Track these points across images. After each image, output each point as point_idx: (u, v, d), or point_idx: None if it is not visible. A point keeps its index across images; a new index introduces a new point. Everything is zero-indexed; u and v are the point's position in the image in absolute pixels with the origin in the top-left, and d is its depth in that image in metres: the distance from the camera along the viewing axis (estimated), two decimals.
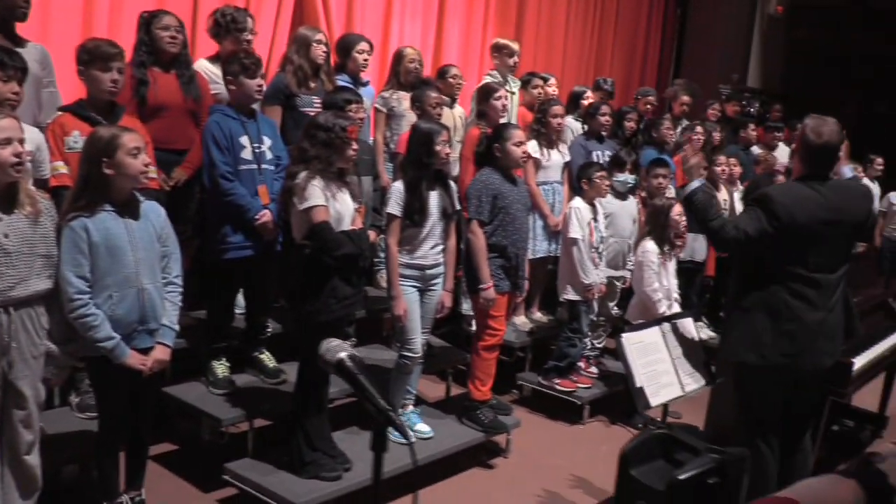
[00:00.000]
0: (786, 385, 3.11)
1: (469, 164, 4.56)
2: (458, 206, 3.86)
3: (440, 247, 3.71)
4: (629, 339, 3.10)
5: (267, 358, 3.88)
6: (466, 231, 3.96)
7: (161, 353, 2.83)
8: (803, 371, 3.06)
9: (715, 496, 2.23)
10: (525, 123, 5.15)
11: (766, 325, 3.01)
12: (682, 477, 2.41)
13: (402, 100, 4.76)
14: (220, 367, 3.71)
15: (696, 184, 3.21)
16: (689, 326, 3.44)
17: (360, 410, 3.94)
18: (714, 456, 2.51)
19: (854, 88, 10.71)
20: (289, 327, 4.09)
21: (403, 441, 3.53)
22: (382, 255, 4.46)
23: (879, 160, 7.94)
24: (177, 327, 2.90)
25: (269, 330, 3.95)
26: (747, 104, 9.31)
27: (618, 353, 3.21)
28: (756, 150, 7.09)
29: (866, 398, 4.59)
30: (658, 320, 3.35)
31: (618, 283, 4.96)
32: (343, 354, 1.59)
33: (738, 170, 6.17)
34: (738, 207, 5.90)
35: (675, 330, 3.34)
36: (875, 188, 7.89)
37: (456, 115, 5.05)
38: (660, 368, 3.17)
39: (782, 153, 7.36)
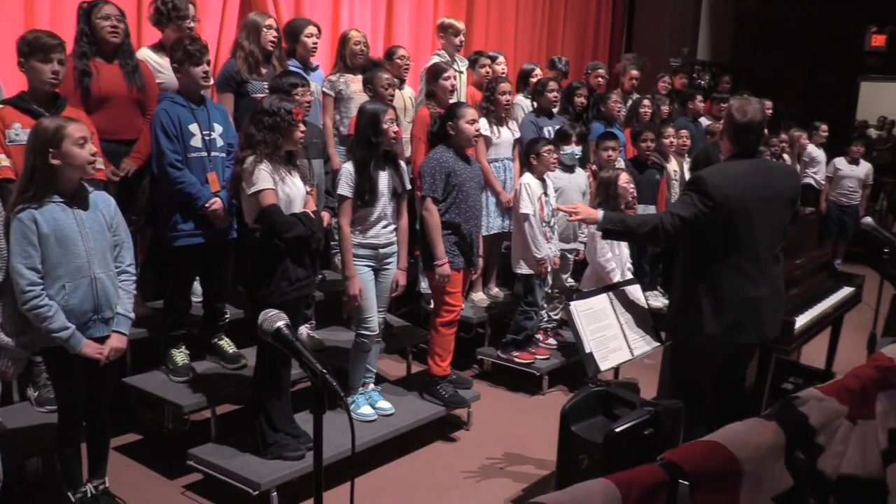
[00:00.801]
0: (722, 355, 3.24)
1: (420, 144, 4.62)
2: (408, 186, 3.92)
3: (392, 226, 3.78)
4: (578, 307, 3.18)
5: (226, 344, 3.92)
6: (420, 209, 4.02)
7: (117, 342, 2.86)
8: (743, 344, 3.20)
9: (651, 446, 2.34)
10: (474, 102, 5.20)
11: (710, 301, 3.12)
12: (618, 429, 2.52)
13: (350, 83, 4.79)
14: (180, 355, 3.74)
15: (599, 215, 3.27)
16: (636, 293, 3.54)
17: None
18: (649, 409, 2.62)
19: (800, 59, 10.96)
20: (248, 313, 4.12)
21: (368, 419, 3.73)
22: (338, 237, 4.50)
23: (824, 127, 8.20)
24: (132, 315, 2.93)
25: (227, 316, 3.99)
26: (697, 77, 9.51)
27: (567, 320, 3.31)
28: (705, 121, 7.27)
29: (815, 356, 4.79)
30: (605, 287, 3.44)
31: (570, 256, 5.08)
32: (280, 323, 1.66)
33: (687, 142, 6.32)
34: (688, 175, 6.06)
35: (623, 296, 3.43)
36: (821, 154, 8.13)
37: (405, 96, 5.10)
38: (608, 334, 3.26)
39: None
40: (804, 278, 4.42)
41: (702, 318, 3.14)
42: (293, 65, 4.53)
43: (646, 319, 3.51)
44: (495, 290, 5.39)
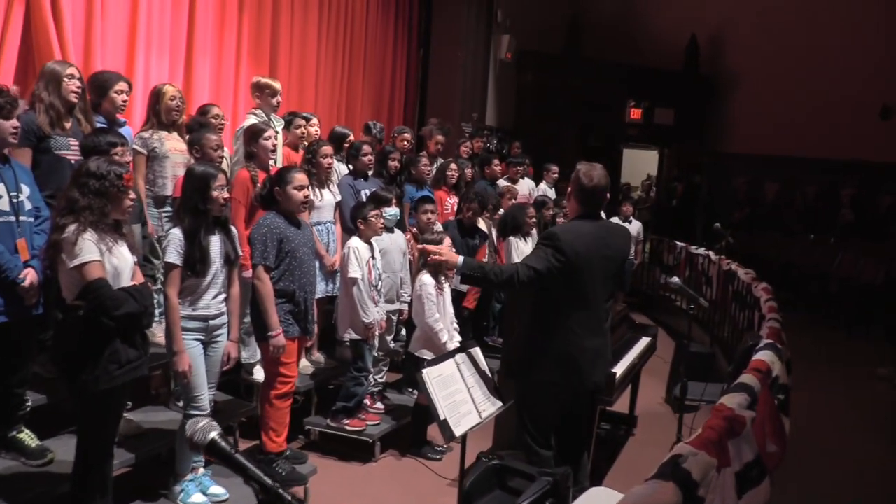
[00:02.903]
0: (565, 400, 3.43)
1: (240, 208, 4.40)
2: (240, 252, 3.73)
3: (223, 295, 3.57)
4: (430, 374, 3.17)
5: (27, 437, 3.39)
6: (252, 278, 3.83)
7: None
8: (582, 389, 3.41)
9: None
10: (289, 163, 5.11)
11: (552, 350, 3.30)
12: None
13: (164, 140, 4.47)
14: None
15: (459, 261, 3.35)
16: (477, 354, 3.61)
17: (140, 479, 3.63)
18: (547, 479, 2.65)
19: (572, 126, 12.08)
20: (53, 398, 3.62)
21: None
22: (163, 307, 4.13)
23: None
24: None
25: (28, 404, 3.46)
26: (487, 141, 10.11)
27: (419, 388, 3.28)
28: (501, 182, 7.70)
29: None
30: (452, 352, 3.47)
31: (394, 317, 5.09)
32: (214, 434, 1.45)
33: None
34: (494, 234, 6.37)
35: (467, 359, 3.49)
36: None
37: (223, 156, 4.85)
38: (458, 398, 3.28)
39: (523, 185, 8.09)
40: (611, 330, 4.78)
41: (549, 366, 3.30)
42: (98, 120, 4.16)
43: (487, 379, 3.59)
44: (317, 356, 5.23)
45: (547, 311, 3.34)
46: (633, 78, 12.53)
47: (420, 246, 4.04)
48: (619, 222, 8.81)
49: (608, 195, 3.44)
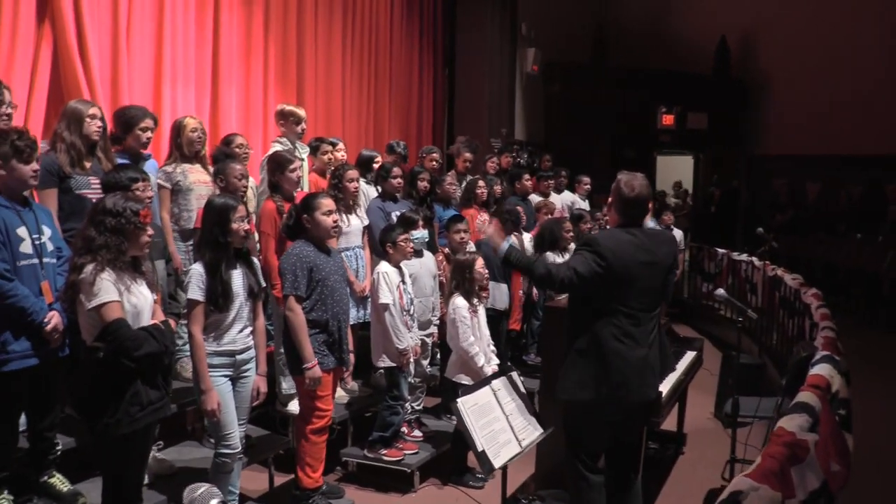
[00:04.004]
0: (614, 418, 3.24)
1: (269, 240, 4.31)
2: (263, 283, 3.64)
3: (249, 328, 3.47)
4: (465, 403, 3.04)
5: (59, 481, 3.30)
6: (282, 308, 3.72)
7: None
8: (631, 403, 3.20)
9: None
10: (317, 189, 5.02)
11: (598, 364, 3.13)
12: None
13: (188, 173, 4.41)
14: (3, 503, 3.09)
15: (505, 245, 3.28)
16: (515, 378, 3.46)
17: None
18: None
19: (603, 137, 11.88)
20: (82, 440, 3.53)
21: None
22: (182, 343, 4.05)
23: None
24: None
25: (59, 448, 3.38)
26: (517, 156, 9.96)
27: (456, 419, 3.13)
28: (534, 198, 7.53)
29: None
30: (487, 379, 3.32)
31: (428, 341, 4.95)
32: (215, 501, 1.32)
33: (523, 219, 6.47)
34: (530, 252, 6.19)
35: (504, 384, 3.34)
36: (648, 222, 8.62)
37: (247, 186, 4.77)
38: (496, 427, 3.14)
39: (555, 199, 7.90)
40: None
41: (595, 382, 3.14)
42: (119, 156, 4.11)
43: (528, 405, 3.43)
44: (352, 384, 5.10)
45: (589, 324, 3.19)
46: (662, 84, 12.32)
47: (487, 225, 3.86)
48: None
49: (650, 205, 3.28)
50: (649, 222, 7.48)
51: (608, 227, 3.46)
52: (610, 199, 3.32)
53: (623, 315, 3.14)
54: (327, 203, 3.80)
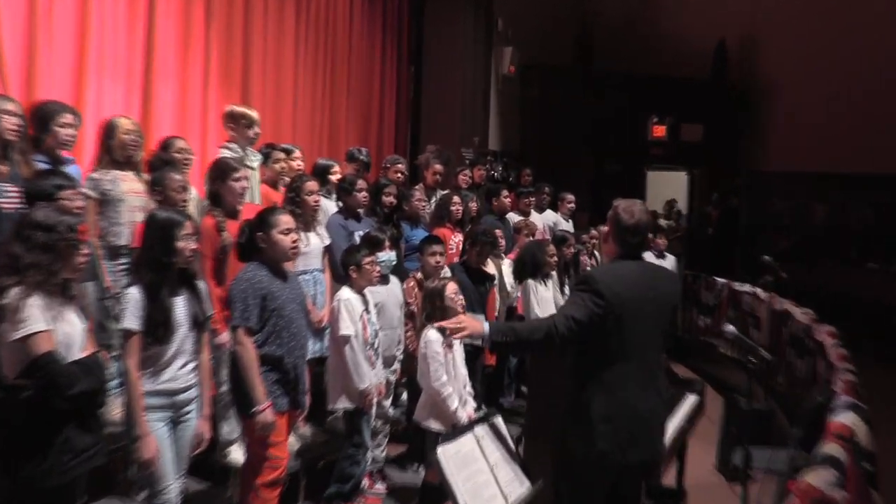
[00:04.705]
0: (615, 477, 3.28)
1: (205, 261, 4.30)
2: (210, 311, 3.66)
3: (192, 364, 3.47)
4: (446, 453, 3.04)
5: None
6: (231, 343, 3.72)
7: None
8: (636, 460, 3.24)
9: None
10: (269, 203, 5.01)
11: (600, 417, 3.17)
12: None
13: (119, 181, 4.40)
14: None
15: (485, 326, 3.26)
16: (500, 425, 3.48)
17: None
18: None
19: (586, 147, 12.08)
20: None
21: None
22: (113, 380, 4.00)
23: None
24: None
25: None
26: (491, 168, 10.07)
27: (428, 465, 3.15)
28: (513, 217, 7.62)
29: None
30: (470, 424, 3.34)
31: (392, 378, 4.96)
32: None
33: (502, 241, 6.53)
34: (509, 279, 6.25)
35: (489, 432, 3.36)
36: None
37: (189, 198, 4.75)
38: (480, 480, 3.15)
39: (535, 218, 7.98)
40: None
41: (594, 433, 3.17)
42: (38, 159, 4.08)
43: (513, 455, 3.46)
44: (304, 429, 5.07)
45: (587, 367, 3.24)
46: (653, 90, 12.62)
47: (436, 325, 3.89)
48: (653, 258, 8.71)
49: (649, 235, 3.39)
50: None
51: (604, 257, 3.55)
52: (606, 229, 3.42)
53: (625, 357, 3.19)
54: (286, 220, 3.81)
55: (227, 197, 4.44)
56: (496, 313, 6.08)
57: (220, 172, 4.48)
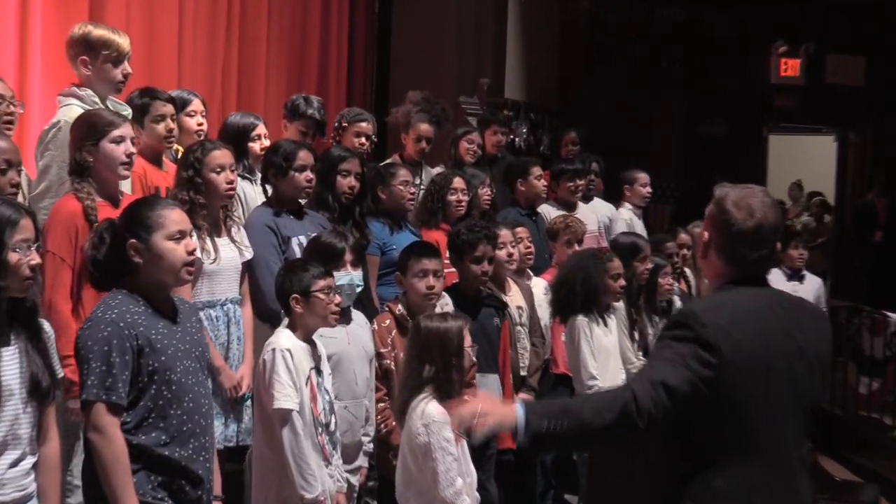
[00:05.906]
0: None
1: (63, 270, 4.52)
2: (60, 373, 3.70)
3: (29, 461, 3.49)
4: None
5: None
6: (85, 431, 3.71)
7: None
8: None
9: None
10: (145, 189, 5.15)
11: None
12: None
13: None
14: None
15: (520, 416, 3.15)
16: None
17: None
18: None
19: (669, 94, 12.12)
20: None
21: None
22: None
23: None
24: None
25: None
26: (511, 131, 10.06)
27: None
28: (548, 209, 7.60)
29: None
30: None
31: (354, 481, 5.02)
32: None
33: (531, 247, 6.52)
34: (544, 311, 6.23)
35: None
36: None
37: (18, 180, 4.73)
38: None
39: (587, 212, 7.93)
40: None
41: None
42: None
43: None
44: None
45: (686, 468, 3.23)
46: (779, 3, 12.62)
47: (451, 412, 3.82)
48: (783, 281, 8.67)
49: (778, 244, 3.35)
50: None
51: (702, 281, 3.52)
52: (706, 234, 3.39)
53: (753, 454, 3.17)
54: (176, 218, 3.78)
55: (101, 168, 4.56)
56: (523, 372, 6.09)
57: (90, 129, 4.60)
